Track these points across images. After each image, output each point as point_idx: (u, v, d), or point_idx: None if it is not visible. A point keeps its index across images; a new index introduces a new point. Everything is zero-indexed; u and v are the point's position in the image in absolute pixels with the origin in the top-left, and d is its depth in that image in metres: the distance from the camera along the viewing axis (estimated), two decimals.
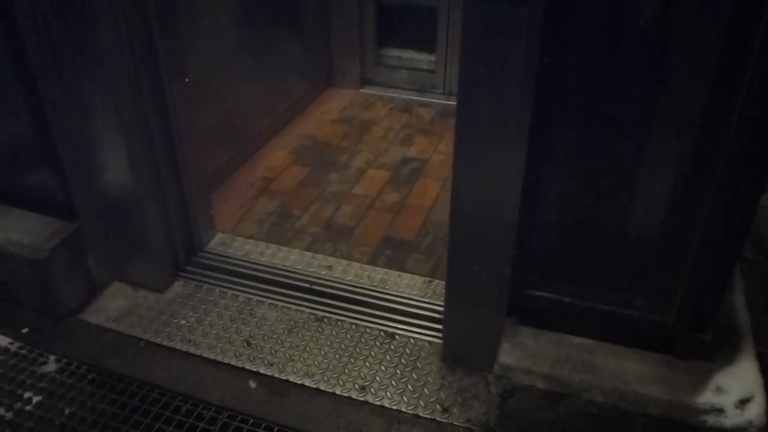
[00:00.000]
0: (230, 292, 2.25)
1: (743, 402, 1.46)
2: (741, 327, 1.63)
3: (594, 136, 1.39)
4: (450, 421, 1.79)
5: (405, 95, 3.63)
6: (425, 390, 1.88)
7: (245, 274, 2.31)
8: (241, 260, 2.37)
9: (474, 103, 1.49)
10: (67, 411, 1.83)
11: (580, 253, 1.53)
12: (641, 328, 1.55)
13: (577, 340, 1.62)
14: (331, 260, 2.38)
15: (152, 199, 2.11)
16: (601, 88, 1.33)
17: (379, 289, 2.22)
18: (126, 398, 1.86)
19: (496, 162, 1.54)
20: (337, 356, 1.99)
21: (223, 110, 2.74)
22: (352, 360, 1.98)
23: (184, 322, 2.13)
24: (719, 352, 1.56)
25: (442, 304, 1.92)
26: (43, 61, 1.86)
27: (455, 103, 1.54)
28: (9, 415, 1.82)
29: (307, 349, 2.02)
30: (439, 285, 2.19)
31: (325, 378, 1.92)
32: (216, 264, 2.35)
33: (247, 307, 2.18)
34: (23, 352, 2.03)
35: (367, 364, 1.97)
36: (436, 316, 2.08)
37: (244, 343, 2.04)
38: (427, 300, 2.17)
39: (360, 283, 2.26)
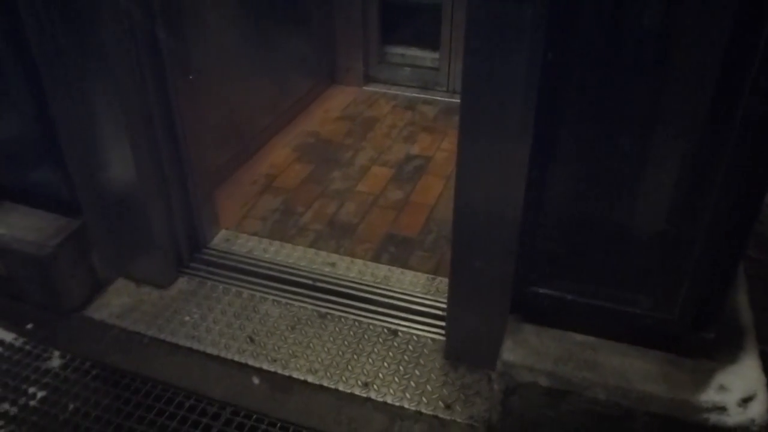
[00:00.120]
0: (234, 288, 2.25)
1: (746, 400, 1.46)
2: (744, 325, 1.63)
3: (597, 134, 1.39)
4: (452, 418, 1.79)
5: (408, 93, 3.62)
6: (428, 387, 1.89)
7: (249, 271, 2.31)
8: (245, 257, 2.37)
9: (477, 101, 1.49)
10: (71, 406, 1.84)
11: (584, 250, 1.53)
12: (644, 326, 1.55)
13: (580, 337, 1.62)
14: (334, 257, 2.38)
15: (156, 196, 2.11)
16: (605, 87, 1.33)
17: (383, 286, 2.23)
18: (130, 394, 1.87)
19: (499, 159, 1.54)
20: (340, 353, 2.00)
21: (227, 108, 2.75)
22: (355, 356, 1.98)
23: (187, 318, 2.13)
24: (722, 351, 1.55)
25: (445, 301, 1.93)
26: (47, 59, 1.86)
27: (459, 100, 1.54)
28: (14, 411, 1.83)
29: (311, 345, 2.03)
30: (443, 282, 2.19)
31: (328, 374, 1.93)
32: (219, 260, 2.35)
33: (251, 304, 2.19)
34: (27, 347, 2.04)
35: (370, 360, 1.97)
36: (439, 313, 2.08)
37: (248, 340, 2.05)
38: (430, 297, 2.17)
39: (363, 280, 2.26)
